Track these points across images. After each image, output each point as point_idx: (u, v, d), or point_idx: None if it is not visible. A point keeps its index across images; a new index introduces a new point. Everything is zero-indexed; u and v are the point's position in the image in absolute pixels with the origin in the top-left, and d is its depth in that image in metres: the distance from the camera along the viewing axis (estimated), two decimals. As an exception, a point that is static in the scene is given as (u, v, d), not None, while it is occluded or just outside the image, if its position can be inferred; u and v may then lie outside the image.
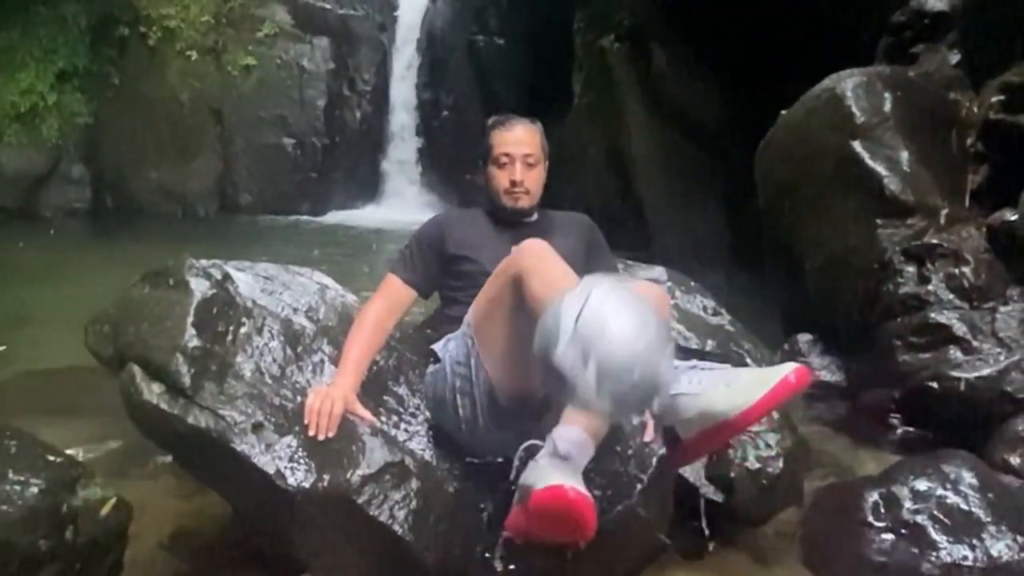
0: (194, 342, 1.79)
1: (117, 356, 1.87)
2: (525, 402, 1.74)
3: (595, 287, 1.41)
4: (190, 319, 1.82)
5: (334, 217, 9.03)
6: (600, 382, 1.34)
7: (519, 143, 2.07)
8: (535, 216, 2.13)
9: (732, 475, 2.09)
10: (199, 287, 1.89)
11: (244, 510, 1.98)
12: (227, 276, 1.95)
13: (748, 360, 2.31)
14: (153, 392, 1.74)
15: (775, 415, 2.20)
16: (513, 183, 2.05)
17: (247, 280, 1.98)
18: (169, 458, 2.07)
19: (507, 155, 2.06)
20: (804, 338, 3.39)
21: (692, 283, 2.59)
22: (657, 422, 1.78)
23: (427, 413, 1.93)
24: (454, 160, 8.82)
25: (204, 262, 1.98)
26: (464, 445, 1.86)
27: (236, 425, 1.70)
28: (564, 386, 1.38)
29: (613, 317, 1.36)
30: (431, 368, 1.94)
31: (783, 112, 3.66)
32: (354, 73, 9.75)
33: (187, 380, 1.73)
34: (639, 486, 1.84)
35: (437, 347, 1.94)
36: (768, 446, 2.15)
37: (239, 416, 1.71)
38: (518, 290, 1.63)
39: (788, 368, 1.41)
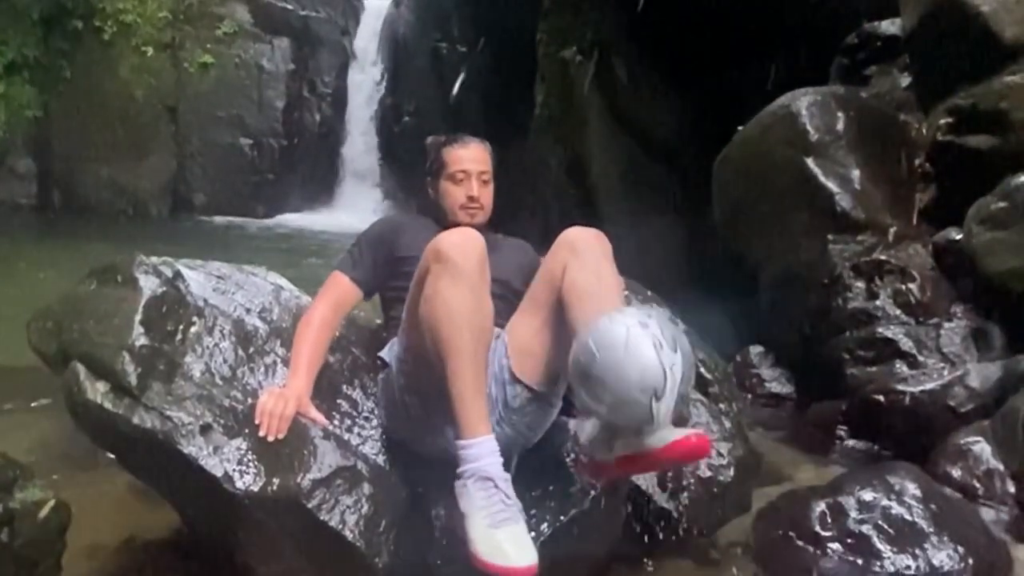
0: (142, 340, 1.74)
1: (60, 354, 1.81)
2: None
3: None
4: (138, 317, 1.77)
5: (290, 220, 8.94)
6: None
7: (475, 160, 2.10)
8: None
9: (683, 483, 2.11)
10: (148, 284, 1.85)
11: (191, 514, 1.93)
12: (178, 274, 1.91)
13: (702, 370, 2.33)
14: (97, 391, 1.69)
15: (727, 424, 2.23)
16: (471, 198, 2.08)
17: (199, 279, 1.94)
18: (113, 460, 2.00)
19: (464, 172, 2.08)
20: (756, 350, 3.45)
21: (648, 292, 2.61)
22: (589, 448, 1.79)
23: (381, 417, 1.91)
24: (413, 166, 8.78)
25: (154, 259, 1.93)
26: (418, 447, 1.84)
27: (183, 426, 1.65)
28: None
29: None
30: (382, 375, 1.92)
31: (740, 128, 3.73)
32: (314, 75, 9.67)
33: (133, 379, 1.68)
34: (592, 493, 1.85)
35: (384, 353, 1.92)
36: (720, 455, 2.17)
37: (187, 417, 1.67)
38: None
39: (696, 431, 1.55)
